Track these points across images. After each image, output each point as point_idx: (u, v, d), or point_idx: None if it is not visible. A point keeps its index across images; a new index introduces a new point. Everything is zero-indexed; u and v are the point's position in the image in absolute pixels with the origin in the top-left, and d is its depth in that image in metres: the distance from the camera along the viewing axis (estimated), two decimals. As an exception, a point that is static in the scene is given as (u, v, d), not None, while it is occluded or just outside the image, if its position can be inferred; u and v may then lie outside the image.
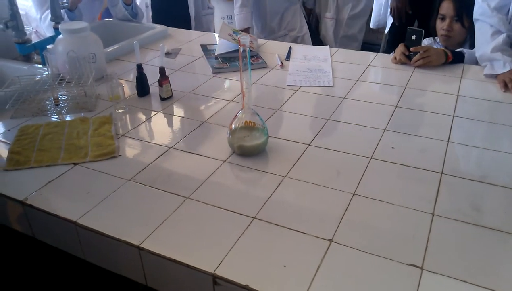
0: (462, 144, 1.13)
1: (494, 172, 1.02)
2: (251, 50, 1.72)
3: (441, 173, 1.01)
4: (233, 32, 1.82)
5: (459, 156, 1.09)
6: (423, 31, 1.60)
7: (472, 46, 1.76)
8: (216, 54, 1.73)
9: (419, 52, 1.57)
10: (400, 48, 1.62)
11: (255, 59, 1.68)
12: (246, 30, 2.46)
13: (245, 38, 0.98)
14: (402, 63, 1.62)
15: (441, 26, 1.81)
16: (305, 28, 2.57)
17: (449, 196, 0.94)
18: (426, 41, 1.90)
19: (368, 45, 3.84)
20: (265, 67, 1.64)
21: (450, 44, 1.79)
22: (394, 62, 1.64)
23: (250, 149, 1.08)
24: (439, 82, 1.49)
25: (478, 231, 0.85)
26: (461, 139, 1.15)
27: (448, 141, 1.14)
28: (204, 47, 1.83)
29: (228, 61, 1.67)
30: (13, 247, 1.16)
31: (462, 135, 1.17)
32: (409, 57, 1.60)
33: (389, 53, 1.75)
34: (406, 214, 0.89)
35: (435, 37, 1.88)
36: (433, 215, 0.88)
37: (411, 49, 1.58)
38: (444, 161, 1.06)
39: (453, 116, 1.26)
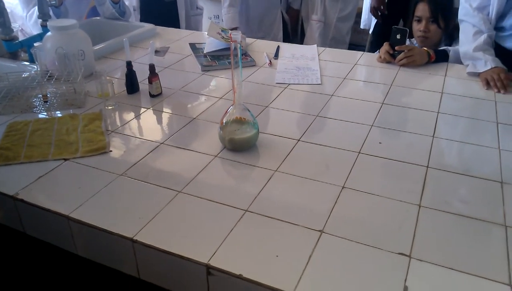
0: (446, 139, 1.16)
1: (476, 165, 1.05)
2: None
3: (427, 166, 1.04)
4: (222, 30, 1.83)
5: (443, 150, 1.12)
6: (408, 30, 1.64)
7: (448, 46, 1.81)
8: (205, 52, 1.74)
9: (403, 51, 1.60)
10: (385, 46, 1.65)
11: (244, 58, 1.69)
12: (233, 30, 2.47)
13: (236, 34, 1.00)
14: (387, 62, 1.65)
15: (417, 27, 1.86)
16: (280, 35, 2.60)
17: (434, 188, 0.97)
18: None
19: (353, 46, 3.89)
20: (254, 65, 1.66)
21: (426, 45, 1.83)
22: (379, 61, 1.67)
23: (240, 142, 1.10)
24: (424, 80, 1.53)
25: (462, 221, 0.88)
26: (446, 135, 1.18)
27: (433, 136, 1.17)
28: (193, 46, 1.84)
29: (217, 60, 1.68)
30: (3, 243, 1.15)
31: (446, 131, 1.20)
32: (393, 56, 1.63)
33: (374, 53, 1.79)
34: (393, 205, 0.92)
35: (411, 39, 1.92)
36: (419, 206, 0.91)
37: (396, 48, 1.62)
38: (430, 155, 1.09)
39: (438, 112, 1.30)
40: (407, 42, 1.90)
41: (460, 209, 0.90)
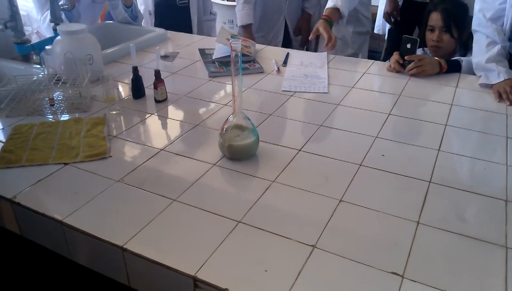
0: (452, 153, 1.13)
1: (483, 182, 1.02)
2: (248, 55, 1.73)
3: (429, 181, 1.01)
4: (232, 37, 1.83)
5: (448, 165, 1.09)
6: (419, 40, 1.61)
7: (463, 56, 1.77)
8: (213, 58, 1.74)
9: (414, 60, 1.57)
10: (395, 56, 1.62)
11: (252, 64, 1.69)
12: (248, 27, 2.45)
13: (236, 43, 0.99)
14: (397, 71, 1.62)
15: (430, 37, 1.83)
16: (280, 39, 2.57)
17: (435, 205, 0.94)
18: (418, 52, 1.91)
19: (370, 53, 3.85)
20: (262, 72, 1.65)
21: (440, 55, 1.79)
22: (389, 70, 1.64)
23: (239, 149, 1.08)
24: (434, 91, 1.50)
25: (462, 240, 0.85)
26: (452, 149, 1.15)
27: (438, 150, 1.14)
28: (202, 51, 1.84)
29: (225, 66, 1.68)
30: (1, 245, 1.16)
31: (453, 145, 1.17)
32: (404, 65, 1.60)
33: (385, 62, 1.76)
34: (391, 221, 0.89)
35: (425, 48, 1.89)
36: (418, 223, 0.88)
37: (406, 57, 1.59)
38: (433, 170, 1.06)
39: (446, 125, 1.26)
40: (420, 51, 1.87)
41: (460, 227, 0.87)
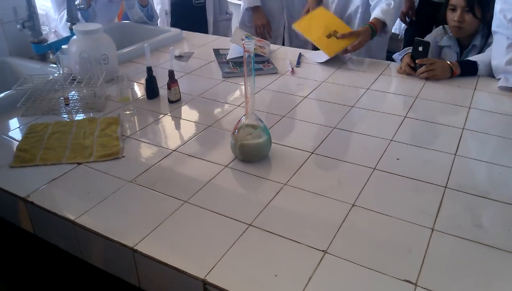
0: (469, 158, 1.10)
1: (498, 188, 0.99)
2: (262, 56, 1.72)
3: (445, 186, 0.99)
4: (246, 37, 1.82)
5: (465, 170, 1.06)
6: (430, 42, 1.58)
7: (484, 37, 1.70)
8: (227, 58, 1.73)
9: (425, 64, 1.54)
10: (406, 59, 1.59)
11: (266, 65, 1.68)
12: (257, 9, 2.45)
13: (249, 44, 0.98)
14: (408, 74, 1.59)
15: (451, 16, 1.74)
16: (279, 41, 2.56)
17: (451, 211, 0.92)
18: (437, 32, 1.86)
19: (389, 53, 3.80)
20: (276, 73, 1.64)
21: (461, 35, 1.74)
22: (400, 73, 1.61)
23: (251, 149, 1.07)
24: (451, 94, 1.46)
25: (478, 248, 0.82)
26: (469, 153, 1.12)
27: (455, 154, 1.11)
28: (217, 51, 1.84)
29: (239, 66, 1.67)
30: (16, 242, 1.18)
31: (470, 149, 1.14)
32: (415, 68, 1.57)
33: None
34: (405, 227, 0.87)
35: (445, 26, 1.82)
36: (432, 230, 0.86)
37: (417, 61, 1.56)
38: (449, 175, 1.03)
39: (463, 129, 1.24)
40: (441, 31, 1.83)
41: (476, 235, 0.85)
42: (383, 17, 1.77)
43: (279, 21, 2.54)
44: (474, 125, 1.26)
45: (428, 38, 1.86)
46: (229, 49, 1.82)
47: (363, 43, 1.73)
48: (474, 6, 1.69)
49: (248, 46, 0.97)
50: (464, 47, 1.79)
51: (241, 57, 1.71)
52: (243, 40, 1.74)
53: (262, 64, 1.68)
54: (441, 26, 1.85)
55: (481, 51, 1.72)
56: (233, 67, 1.67)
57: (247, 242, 0.84)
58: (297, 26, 1.83)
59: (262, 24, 2.47)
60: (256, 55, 1.69)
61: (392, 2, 1.79)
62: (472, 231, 0.86)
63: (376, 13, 1.79)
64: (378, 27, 1.77)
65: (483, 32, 1.74)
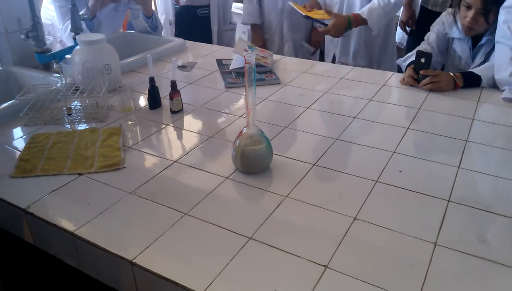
0: (473, 170, 1.09)
1: (504, 202, 0.98)
2: (265, 66, 1.72)
3: (448, 200, 0.98)
4: (249, 47, 1.82)
5: (468, 183, 1.05)
6: (432, 54, 1.57)
7: (493, 36, 1.66)
8: (230, 68, 1.73)
9: (428, 75, 1.53)
10: (409, 71, 1.59)
11: (268, 75, 1.67)
12: (254, 26, 2.47)
13: (250, 56, 0.98)
14: (410, 85, 1.59)
15: (464, 14, 1.67)
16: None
17: (454, 225, 0.91)
18: (445, 18, 1.79)
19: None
20: (278, 83, 1.64)
21: (471, 35, 1.69)
22: (403, 83, 1.61)
23: (252, 158, 1.07)
24: (454, 105, 1.46)
25: (482, 264, 0.81)
26: (473, 166, 1.11)
27: (458, 167, 1.10)
28: (220, 62, 1.84)
29: (241, 76, 1.67)
30: (16, 253, 1.17)
31: (474, 161, 1.13)
32: (418, 80, 1.57)
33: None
34: (407, 242, 0.86)
35: (454, 10, 1.75)
36: (435, 244, 0.85)
37: (420, 72, 1.55)
38: (453, 188, 1.02)
39: (466, 141, 1.23)
40: (451, 16, 1.77)
41: (480, 250, 0.84)
42: (366, 15, 1.92)
43: (279, 34, 2.52)
44: (477, 137, 1.25)
45: (435, 24, 1.82)
46: (231, 59, 1.82)
47: (334, 28, 1.90)
48: (490, 11, 1.61)
49: (249, 58, 0.97)
50: (477, 40, 1.72)
51: (243, 67, 1.71)
52: (246, 50, 1.75)
53: (264, 74, 1.68)
54: (451, 12, 1.77)
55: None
56: (236, 78, 1.67)
57: (247, 255, 0.83)
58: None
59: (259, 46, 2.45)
60: (259, 65, 1.69)
61: (381, 3, 1.92)
62: (475, 246, 0.85)
63: (362, 10, 1.96)
64: (358, 21, 1.93)
65: (491, 30, 1.66)
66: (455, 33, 1.75)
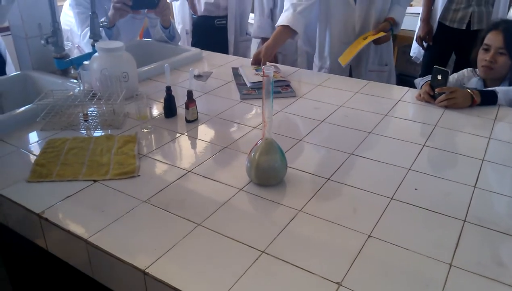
0: (489, 191, 1.08)
1: (522, 224, 0.96)
2: (284, 80, 1.71)
3: (464, 220, 0.97)
4: (257, 70, 1.82)
5: (485, 203, 1.04)
6: (449, 71, 1.56)
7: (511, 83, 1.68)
8: (248, 85, 1.71)
9: (444, 92, 1.52)
10: (425, 87, 1.58)
11: (285, 88, 1.68)
12: (264, 41, 2.44)
13: (269, 69, 0.98)
14: (426, 101, 1.58)
15: (483, 56, 1.72)
16: (296, 61, 2.56)
17: (470, 246, 0.89)
18: (465, 72, 1.83)
19: (405, 77, 3.79)
20: (294, 96, 1.64)
21: (490, 77, 1.71)
22: (419, 99, 1.60)
23: (266, 171, 1.07)
24: (471, 123, 1.44)
25: (499, 287, 0.80)
26: (489, 186, 1.10)
27: (474, 186, 1.09)
28: (235, 71, 1.85)
29: (257, 88, 1.67)
30: (28, 257, 1.18)
31: (490, 182, 1.12)
32: (434, 97, 1.56)
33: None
34: (422, 262, 0.85)
35: (475, 69, 1.80)
36: (450, 266, 0.84)
37: (436, 90, 1.54)
38: (469, 208, 1.01)
39: (483, 160, 1.21)
40: (471, 73, 1.81)
41: (496, 273, 0.82)
42: (392, 14, 2.02)
43: (293, 47, 2.52)
44: (494, 156, 1.23)
45: (453, 78, 1.85)
46: (244, 71, 1.81)
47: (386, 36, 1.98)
48: (511, 48, 1.65)
49: (267, 72, 0.98)
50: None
51: (261, 82, 1.71)
52: (257, 75, 1.74)
53: (281, 87, 1.68)
54: (471, 69, 1.82)
55: None
56: (251, 89, 1.67)
57: (259, 270, 0.83)
58: (342, 61, 1.97)
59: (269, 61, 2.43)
60: (278, 80, 1.69)
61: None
62: (492, 269, 0.83)
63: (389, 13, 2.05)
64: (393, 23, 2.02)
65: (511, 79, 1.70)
66: (471, 84, 1.78)
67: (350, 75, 2.19)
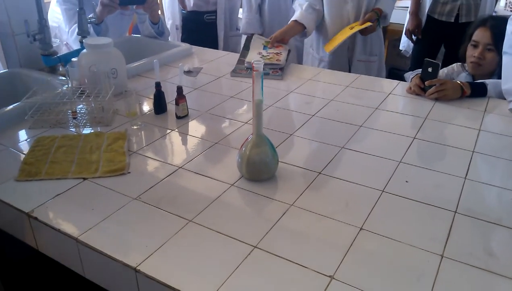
0: (480, 182, 1.08)
1: (511, 214, 0.97)
2: (278, 64, 1.76)
3: (455, 211, 0.97)
4: (264, 47, 1.87)
5: (476, 194, 1.04)
6: (440, 64, 1.57)
7: (500, 77, 1.70)
8: (241, 32, 1.82)
9: (434, 85, 1.53)
10: (415, 80, 1.58)
11: (275, 71, 1.70)
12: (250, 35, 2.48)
13: (259, 64, 0.97)
14: (417, 94, 1.58)
15: (472, 53, 1.74)
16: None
17: (461, 237, 0.90)
18: (455, 67, 1.85)
19: (395, 70, 3.81)
20: (281, 79, 1.65)
21: (479, 73, 1.73)
22: (409, 92, 1.60)
23: (258, 167, 1.06)
24: (461, 115, 1.45)
25: (490, 277, 0.80)
26: (479, 177, 1.10)
27: (465, 178, 1.09)
28: (248, 41, 1.95)
29: (251, 68, 1.67)
30: (19, 257, 1.17)
31: (481, 173, 1.12)
32: (424, 89, 1.56)
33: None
34: (414, 253, 0.85)
35: (464, 64, 1.82)
36: (442, 257, 0.84)
37: (426, 82, 1.54)
38: (459, 199, 1.01)
39: (473, 151, 1.22)
40: (460, 68, 1.82)
41: (487, 263, 0.83)
42: (379, 5, 2.04)
43: None
44: (484, 148, 1.24)
45: (443, 72, 1.85)
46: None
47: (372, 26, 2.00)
48: (499, 46, 1.63)
49: (257, 66, 0.97)
50: None
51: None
52: (260, 53, 1.77)
53: (272, 70, 1.72)
54: (460, 64, 1.83)
55: None
56: (245, 70, 1.72)
57: (252, 265, 0.82)
58: (327, 48, 2.05)
59: None
60: (269, 64, 1.76)
61: None
62: (483, 259, 0.84)
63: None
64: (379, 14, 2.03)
65: (500, 73, 1.70)
66: (461, 79, 1.78)
67: (349, 67, 2.20)
